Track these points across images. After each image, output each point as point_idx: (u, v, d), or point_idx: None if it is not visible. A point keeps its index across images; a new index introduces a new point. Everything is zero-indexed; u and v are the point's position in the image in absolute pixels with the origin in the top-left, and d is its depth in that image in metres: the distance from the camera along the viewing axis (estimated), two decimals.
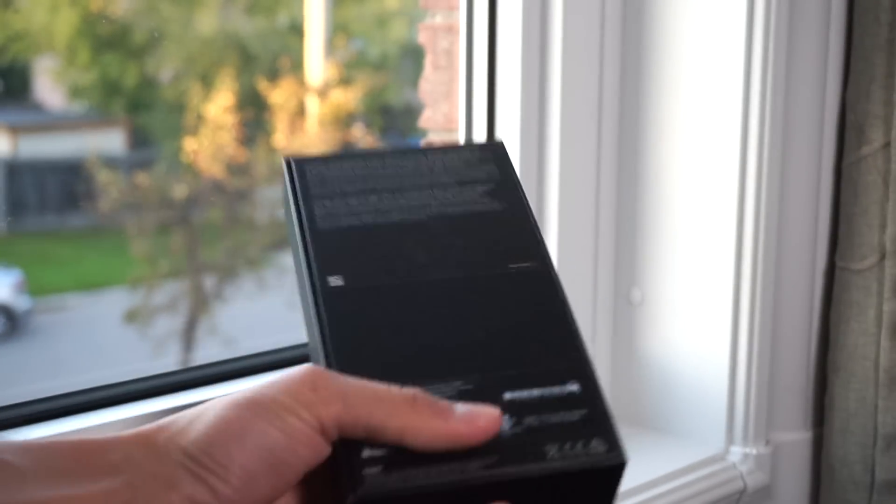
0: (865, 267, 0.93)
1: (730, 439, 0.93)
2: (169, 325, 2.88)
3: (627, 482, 0.85)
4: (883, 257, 0.91)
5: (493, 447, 0.44)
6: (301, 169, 0.54)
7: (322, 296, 0.49)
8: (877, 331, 0.92)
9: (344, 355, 0.47)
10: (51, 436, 0.48)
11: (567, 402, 0.47)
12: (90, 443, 0.41)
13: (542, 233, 0.89)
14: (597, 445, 0.45)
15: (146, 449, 0.41)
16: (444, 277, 0.50)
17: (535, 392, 0.47)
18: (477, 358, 0.47)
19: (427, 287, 0.50)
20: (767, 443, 0.94)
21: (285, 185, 0.54)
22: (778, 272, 0.94)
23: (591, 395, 0.47)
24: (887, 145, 0.91)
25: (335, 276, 0.49)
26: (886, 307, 0.91)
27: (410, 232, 0.52)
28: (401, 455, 0.43)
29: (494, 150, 0.56)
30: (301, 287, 0.51)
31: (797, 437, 0.98)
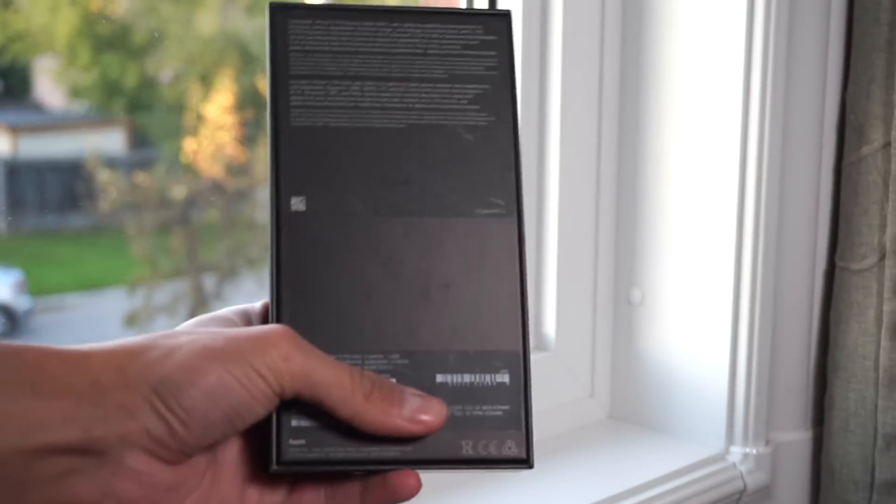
0: (865, 267, 0.93)
1: (730, 439, 0.93)
2: (169, 325, 2.88)
3: (628, 482, 0.85)
4: (883, 257, 0.91)
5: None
6: (285, 23, 0.50)
7: (282, 221, 0.48)
8: (877, 331, 0.92)
9: (291, 309, 0.47)
10: (25, 343, 0.49)
11: (494, 393, 0.48)
12: (61, 356, 0.43)
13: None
14: (510, 447, 0.47)
15: (115, 375, 0.42)
16: (410, 220, 0.49)
17: (466, 378, 0.48)
18: (421, 331, 0.48)
19: (389, 228, 0.49)
20: (767, 443, 0.94)
21: (267, 39, 0.50)
22: (778, 272, 0.94)
23: (518, 389, 0.48)
24: (887, 145, 0.91)
25: (298, 199, 0.48)
26: (886, 307, 0.91)
27: (386, 146, 0.50)
28: (327, 429, 0.46)
29: (498, 26, 0.53)
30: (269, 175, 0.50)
31: (797, 437, 0.98)
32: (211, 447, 0.45)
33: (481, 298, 0.49)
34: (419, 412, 0.46)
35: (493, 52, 0.52)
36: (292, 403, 0.45)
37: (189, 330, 0.46)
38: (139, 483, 0.43)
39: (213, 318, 0.48)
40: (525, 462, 0.47)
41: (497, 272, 0.49)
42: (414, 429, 0.46)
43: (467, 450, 0.47)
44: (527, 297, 0.49)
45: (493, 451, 0.47)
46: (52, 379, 0.42)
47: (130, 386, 0.42)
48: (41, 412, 0.41)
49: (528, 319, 0.49)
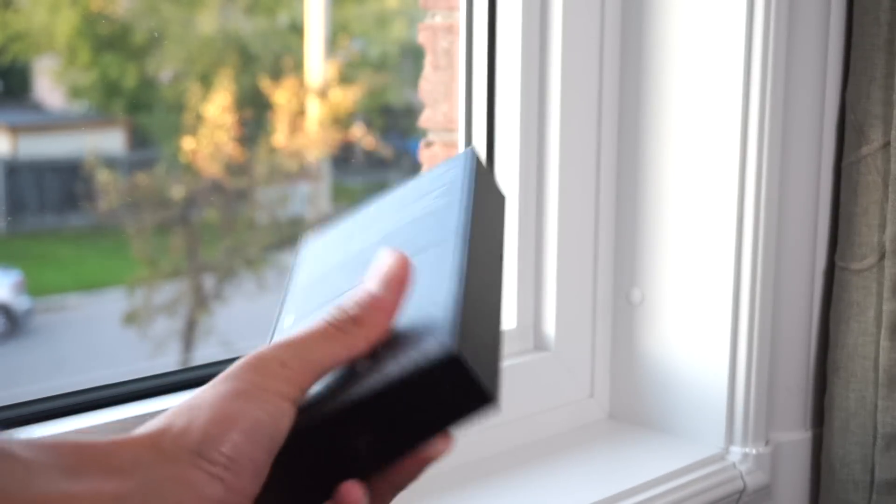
0: (865, 267, 0.93)
1: (730, 439, 0.93)
2: (169, 325, 2.88)
3: (627, 482, 0.85)
4: (882, 257, 0.91)
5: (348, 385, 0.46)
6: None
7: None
8: (876, 330, 0.92)
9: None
10: (56, 434, 0.48)
11: (419, 327, 0.47)
12: (97, 443, 0.42)
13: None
14: (429, 343, 0.44)
15: (154, 451, 0.42)
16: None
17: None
18: None
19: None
20: (767, 442, 0.95)
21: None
22: (778, 272, 0.94)
23: (445, 307, 0.46)
24: (887, 145, 0.91)
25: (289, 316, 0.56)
26: (886, 307, 0.91)
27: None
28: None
29: (464, 157, 0.56)
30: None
31: (797, 437, 0.98)
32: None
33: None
34: (379, 287, 0.47)
35: (458, 171, 0.55)
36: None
37: (194, 396, 0.45)
38: None
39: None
40: (443, 348, 0.44)
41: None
42: (397, 297, 0.47)
43: (391, 367, 0.45)
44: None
45: (412, 355, 0.44)
46: (95, 464, 0.41)
47: (171, 458, 0.42)
48: (88, 492, 0.40)
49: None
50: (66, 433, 0.65)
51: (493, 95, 0.90)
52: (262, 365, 0.44)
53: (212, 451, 0.42)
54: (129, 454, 0.41)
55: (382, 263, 0.48)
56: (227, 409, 0.43)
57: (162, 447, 0.42)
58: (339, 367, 0.46)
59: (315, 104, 3.59)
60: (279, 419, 0.43)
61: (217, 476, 0.41)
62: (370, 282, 0.47)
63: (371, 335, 0.47)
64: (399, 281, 0.47)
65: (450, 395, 0.44)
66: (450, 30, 0.95)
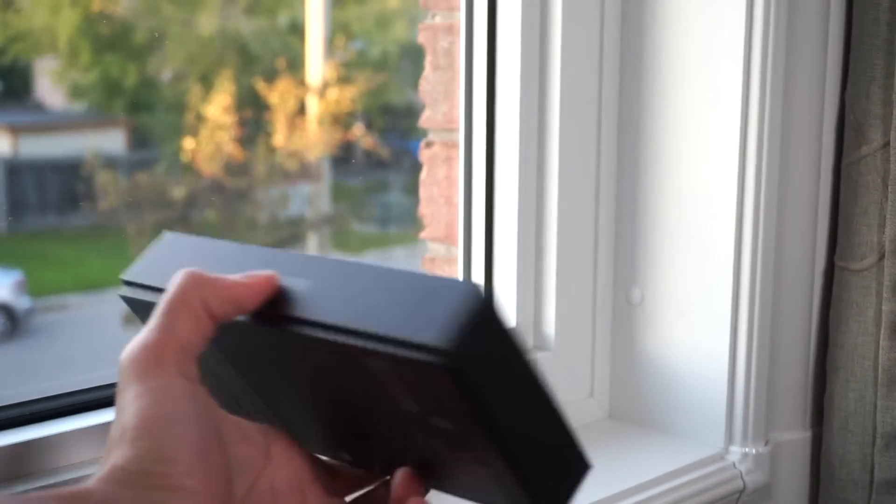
0: (865, 267, 0.93)
1: (729, 439, 0.93)
2: None
3: (627, 482, 0.85)
4: (882, 257, 0.92)
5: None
6: None
7: None
8: (876, 330, 0.92)
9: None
10: (23, 491, 0.49)
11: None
12: (67, 494, 0.42)
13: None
14: (428, 331, 0.45)
15: (122, 487, 0.42)
16: None
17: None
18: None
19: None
20: (767, 442, 0.95)
21: None
22: (777, 272, 0.94)
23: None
24: (886, 145, 0.91)
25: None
26: (885, 307, 0.91)
27: None
28: None
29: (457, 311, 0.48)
30: None
31: (796, 437, 0.98)
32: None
33: None
34: (250, 276, 0.50)
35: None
36: None
37: (113, 427, 0.46)
38: None
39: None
40: (448, 359, 0.44)
41: None
42: (252, 282, 0.49)
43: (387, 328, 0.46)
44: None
45: (409, 332, 0.45)
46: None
47: (132, 486, 0.42)
48: None
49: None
50: (63, 432, 0.65)
51: (493, 95, 0.90)
52: (142, 359, 0.46)
53: (153, 464, 0.42)
54: (99, 496, 0.42)
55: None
56: (145, 416, 0.44)
57: (124, 480, 0.42)
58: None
59: (315, 104, 3.59)
60: (192, 399, 0.44)
61: (174, 486, 0.42)
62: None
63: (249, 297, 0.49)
64: (264, 284, 0.49)
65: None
66: (450, 30, 0.95)
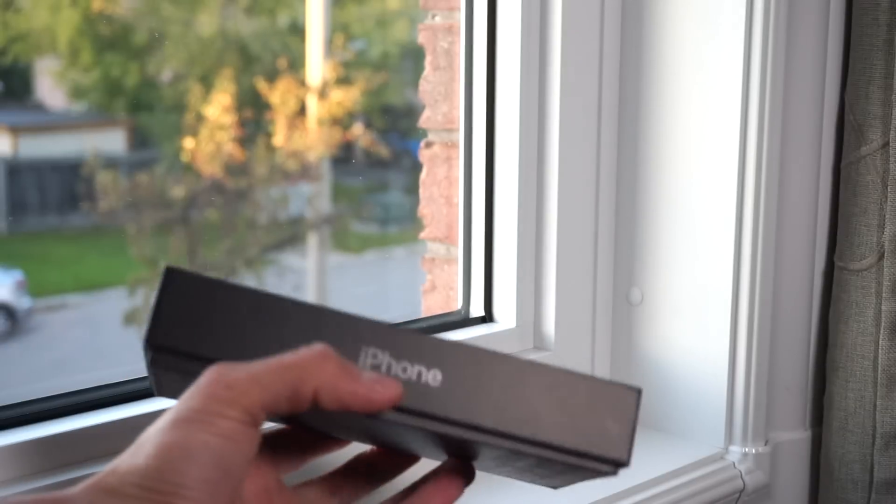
0: (864, 267, 0.93)
1: (729, 438, 0.93)
2: None
3: (627, 481, 0.85)
4: (882, 257, 0.92)
5: None
6: None
7: None
8: (875, 330, 0.92)
9: None
10: (5, 497, 0.49)
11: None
12: (50, 499, 0.42)
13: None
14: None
15: (104, 494, 0.42)
16: None
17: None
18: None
19: None
20: (766, 442, 0.95)
21: None
22: (777, 272, 0.94)
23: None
24: (886, 145, 0.91)
25: None
26: (885, 307, 0.91)
27: None
28: None
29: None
30: None
31: (796, 437, 0.98)
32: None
33: None
34: (378, 381, 0.47)
35: None
36: None
37: (140, 436, 0.45)
38: None
39: None
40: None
41: None
42: (380, 398, 0.46)
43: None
44: None
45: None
46: None
47: (121, 496, 0.42)
48: None
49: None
50: (65, 432, 0.65)
51: (493, 95, 0.90)
52: (207, 390, 0.44)
53: (155, 481, 0.42)
54: (84, 501, 0.42)
55: (387, 382, 0.48)
56: (168, 439, 0.43)
57: (111, 488, 0.42)
58: (296, 395, 0.46)
59: (315, 104, 3.59)
60: (225, 439, 0.43)
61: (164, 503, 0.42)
62: (367, 374, 0.48)
63: (346, 394, 0.46)
64: (388, 403, 0.47)
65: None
66: (450, 30, 0.95)
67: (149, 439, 0.44)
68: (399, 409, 0.47)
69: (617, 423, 0.47)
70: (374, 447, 0.56)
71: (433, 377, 0.47)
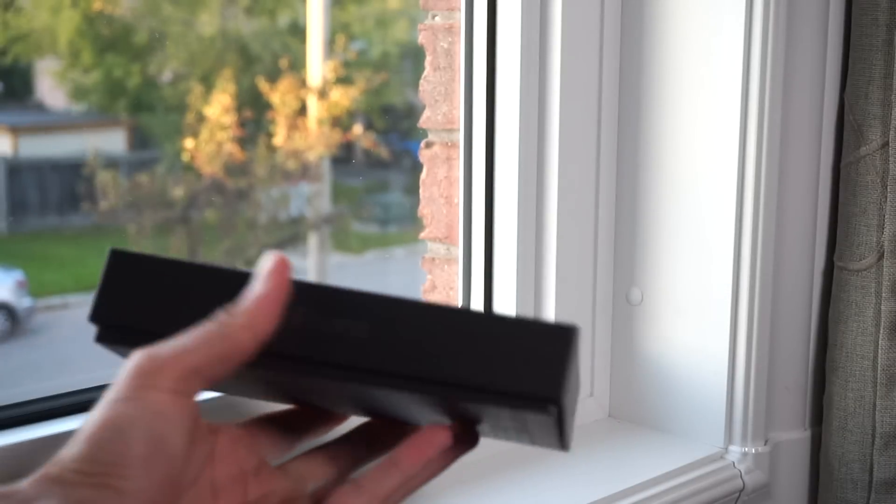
0: (864, 267, 0.93)
1: (729, 438, 0.93)
2: None
3: (627, 481, 0.85)
4: (881, 257, 0.92)
5: None
6: None
7: None
8: (875, 330, 0.92)
9: None
10: None
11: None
12: (3, 491, 0.43)
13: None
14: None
15: (49, 483, 0.43)
16: None
17: None
18: None
19: None
20: (766, 442, 0.95)
21: None
22: (777, 272, 0.94)
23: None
24: (885, 145, 0.91)
25: None
26: (885, 307, 0.91)
27: None
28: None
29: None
30: None
31: (796, 436, 0.98)
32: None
33: None
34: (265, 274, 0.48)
35: None
36: None
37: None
38: None
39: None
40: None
41: None
42: (277, 289, 0.47)
43: None
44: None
45: None
46: None
47: (65, 483, 0.43)
48: None
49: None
50: (66, 432, 0.65)
51: (493, 95, 0.90)
52: (134, 367, 0.45)
53: (94, 464, 0.42)
54: (33, 492, 0.42)
55: (261, 264, 0.49)
56: (99, 421, 0.44)
57: (54, 476, 0.43)
58: (227, 365, 0.46)
59: (315, 104, 3.59)
60: (155, 413, 0.44)
61: (103, 485, 0.42)
62: (253, 284, 0.48)
63: (258, 332, 0.47)
64: (277, 272, 0.48)
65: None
66: (450, 30, 0.95)
67: (85, 425, 0.44)
68: (331, 364, 0.48)
69: (549, 362, 0.47)
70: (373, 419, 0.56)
71: (360, 330, 0.48)
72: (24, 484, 0.43)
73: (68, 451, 0.44)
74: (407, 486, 0.49)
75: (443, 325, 0.48)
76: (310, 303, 0.48)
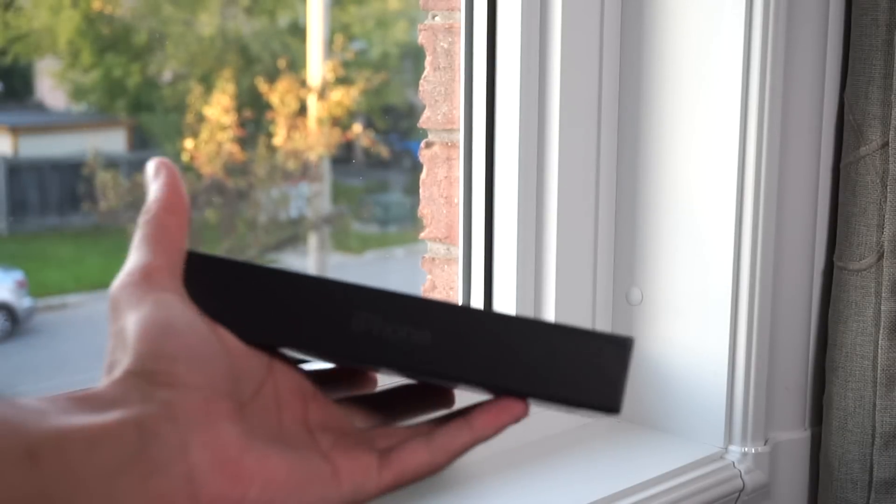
0: (863, 267, 0.93)
1: (729, 438, 0.93)
2: None
3: (627, 481, 0.85)
4: (881, 257, 0.92)
5: None
6: None
7: None
8: (875, 330, 0.92)
9: None
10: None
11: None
12: (82, 394, 0.43)
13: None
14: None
15: (133, 380, 0.43)
16: None
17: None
18: None
19: None
20: (766, 442, 0.95)
21: None
22: (776, 272, 0.94)
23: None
24: (885, 145, 0.91)
25: None
26: (884, 307, 0.91)
27: None
28: None
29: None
30: None
31: (796, 436, 0.98)
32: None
33: None
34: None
35: None
36: None
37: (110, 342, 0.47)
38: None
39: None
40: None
41: None
42: (167, 185, 0.50)
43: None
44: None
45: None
46: (91, 404, 0.43)
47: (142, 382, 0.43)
48: (100, 424, 0.41)
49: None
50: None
51: (492, 96, 0.90)
52: (129, 286, 0.46)
53: (155, 362, 0.43)
54: (113, 393, 0.43)
55: (146, 171, 0.51)
56: (143, 321, 0.45)
57: (127, 383, 0.43)
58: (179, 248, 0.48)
59: (315, 104, 3.60)
60: (174, 307, 0.45)
61: (170, 383, 0.43)
62: (150, 186, 0.50)
63: (178, 203, 0.49)
64: (162, 167, 0.50)
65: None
66: (450, 30, 0.95)
67: (126, 328, 0.45)
68: (394, 368, 0.49)
69: (608, 373, 0.48)
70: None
71: (423, 337, 0.48)
72: (101, 387, 0.43)
73: (125, 359, 0.44)
74: (473, 446, 0.50)
75: (505, 334, 0.48)
76: (371, 308, 0.49)
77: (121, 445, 0.41)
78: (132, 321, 0.45)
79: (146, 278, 0.46)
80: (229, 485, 0.43)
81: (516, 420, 0.50)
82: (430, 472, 0.49)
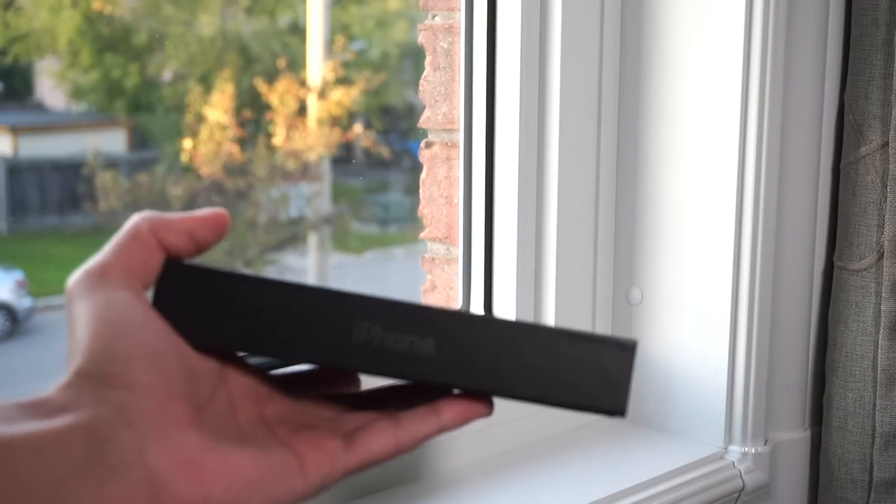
0: (863, 267, 0.93)
1: (728, 438, 0.93)
2: None
3: (627, 481, 0.85)
4: (881, 257, 0.92)
5: None
6: None
7: None
8: (875, 330, 0.92)
9: None
10: None
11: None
12: (30, 401, 0.43)
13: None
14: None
15: (80, 382, 0.43)
16: None
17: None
18: None
19: None
20: (766, 442, 0.95)
21: None
22: (776, 272, 0.94)
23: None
24: (885, 145, 0.91)
25: None
26: (884, 307, 0.91)
27: None
28: None
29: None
30: None
31: (796, 436, 0.98)
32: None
33: None
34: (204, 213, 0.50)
35: None
36: None
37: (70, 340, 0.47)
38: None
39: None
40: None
41: None
42: (205, 218, 0.50)
43: None
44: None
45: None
46: (37, 411, 0.42)
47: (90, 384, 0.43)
48: (46, 430, 0.41)
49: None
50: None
51: (492, 96, 0.90)
52: (84, 281, 0.47)
53: (107, 364, 0.43)
54: (61, 399, 0.43)
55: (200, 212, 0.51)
56: (92, 320, 0.45)
57: (80, 386, 0.43)
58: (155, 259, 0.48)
59: (315, 104, 3.60)
60: (120, 307, 0.45)
61: (123, 384, 0.43)
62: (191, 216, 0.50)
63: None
64: (214, 211, 0.50)
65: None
66: (450, 30, 0.95)
67: (78, 333, 0.45)
68: (400, 377, 0.49)
69: (612, 377, 0.48)
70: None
71: (426, 346, 0.48)
72: (52, 392, 0.43)
73: (78, 359, 0.44)
74: (437, 434, 0.50)
75: (509, 340, 0.48)
76: (374, 318, 0.48)
77: (70, 451, 0.41)
78: (83, 318, 0.45)
79: (101, 276, 0.46)
80: (193, 486, 0.43)
81: (481, 417, 0.50)
82: (395, 454, 0.49)
